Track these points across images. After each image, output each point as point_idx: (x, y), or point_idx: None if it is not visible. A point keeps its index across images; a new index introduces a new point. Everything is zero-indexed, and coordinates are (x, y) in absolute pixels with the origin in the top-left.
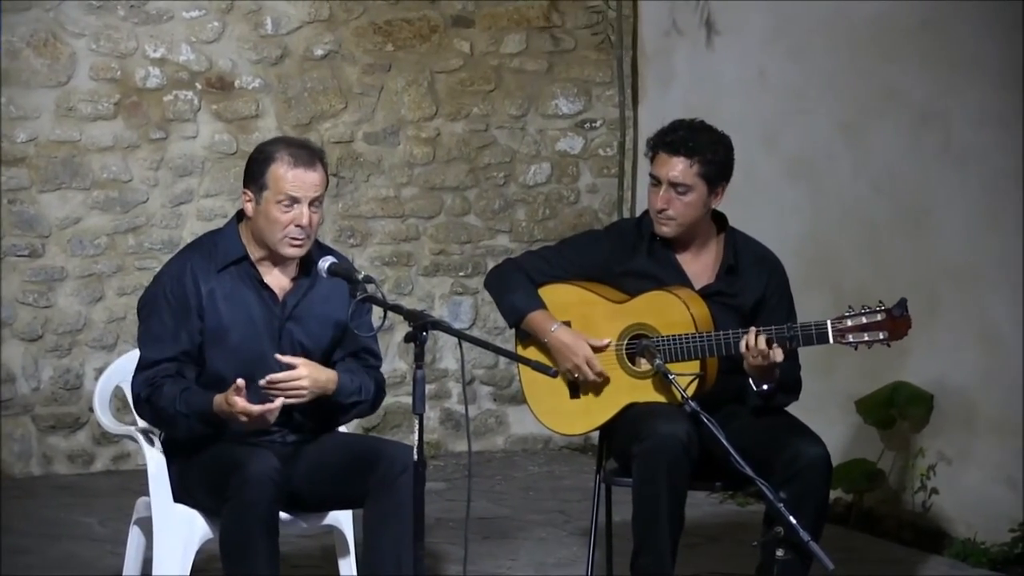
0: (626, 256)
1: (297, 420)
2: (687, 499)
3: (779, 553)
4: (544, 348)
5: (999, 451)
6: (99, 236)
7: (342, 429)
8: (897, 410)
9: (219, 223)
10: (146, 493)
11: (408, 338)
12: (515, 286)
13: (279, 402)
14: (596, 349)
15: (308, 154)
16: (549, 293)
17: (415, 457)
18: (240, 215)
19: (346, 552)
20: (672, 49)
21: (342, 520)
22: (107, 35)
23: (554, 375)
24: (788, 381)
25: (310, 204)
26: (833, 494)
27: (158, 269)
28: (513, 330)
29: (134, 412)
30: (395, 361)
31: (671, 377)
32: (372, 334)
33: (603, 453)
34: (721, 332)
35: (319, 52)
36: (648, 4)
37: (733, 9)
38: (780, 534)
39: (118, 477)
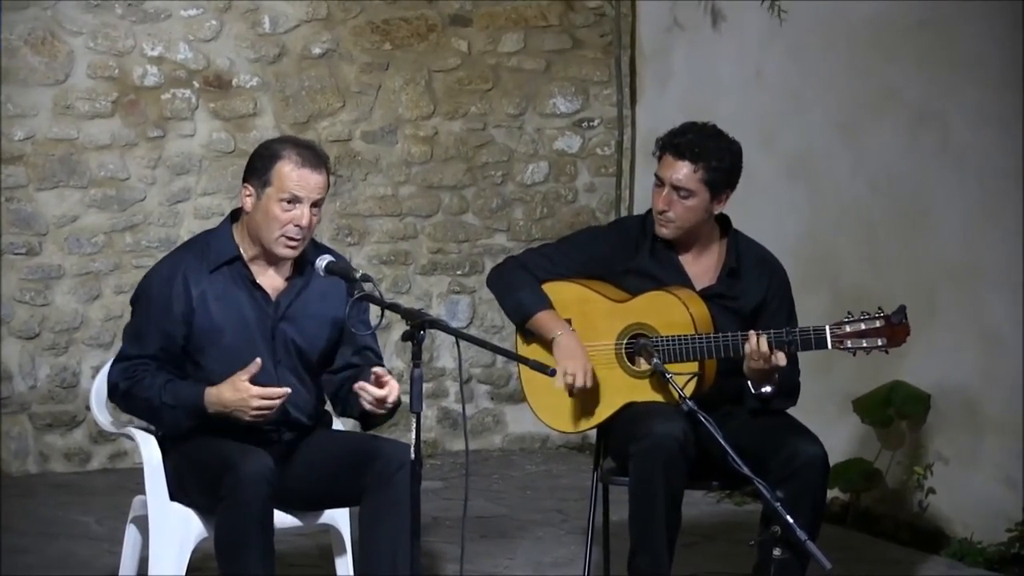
0: (629, 254)
1: (293, 418)
2: (684, 498)
3: (776, 552)
4: (546, 344)
5: (997, 451)
6: (96, 234)
7: (338, 426)
8: (895, 410)
9: (216, 221)
10: (143, 491)
11: (405, 337)
12: (520, 284)
13: (286, 389)
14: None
15: (315, 156)
16: (550, 290)
17: (412, 455)
18: (234, 215)
19: (343, 551)
20: (670, 48)
21: (339, 519)
22: (105, 33)
23: (552, 374)
24: (787, 385)
25: (311, 205)
26: (830, 494)
27: None
28: (511, 328)
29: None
30: (392, 360)
31: (668, 377)
32: (369, 332)
33: (600, 452)
34: (720, 334)
35: (317, 51)
36: (646, 3)
37: (732, 8)
38: (777, 533)
39: (115, 475)
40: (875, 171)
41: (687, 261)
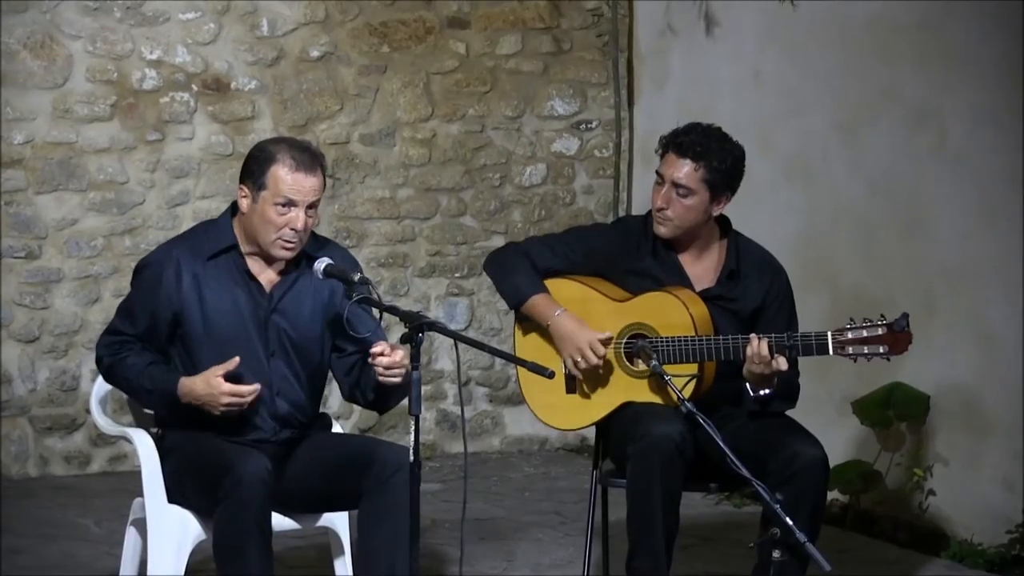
0: (630, 253)
1: (285, 412)
2: (683, 500)
3: (776, 554)
4: (545, 334)
5: (996, 452)
6: (95, 237)
7: (337, 429)
8: (894, 411)
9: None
10: (142, 494)
11: (404, 339)
12: (518, 269)
13: (256, 386)
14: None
15: (310, 158)
16: (550, 287)
17: (411, 458)
18: (235, 208)
19: (341, 552)
20: (667, 50)
21: (337, 521)
22: (103, 37)
23: (551, 376)
24: (786, 387)
25: (307, 208)
26: (830, 495)
27: None
28: (510, 331)
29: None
30: None
31: (666, 378)
32: (368, 335)
33: (599, 454)
34: (720, 337)
35: (315, 53)
36: (643, 4)
37: (729, 9)
38: (777, 535)
39: (114, 478)
40: (873, 172)
41: (687, 262)
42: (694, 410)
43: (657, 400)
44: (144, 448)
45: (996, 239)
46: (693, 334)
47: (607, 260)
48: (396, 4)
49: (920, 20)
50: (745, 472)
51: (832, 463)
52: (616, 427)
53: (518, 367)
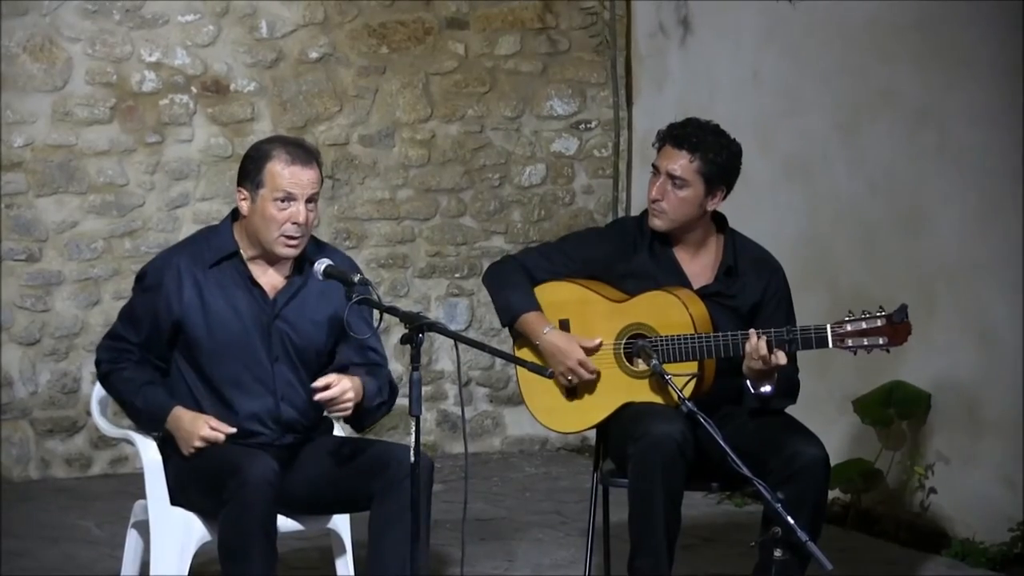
0: (627, 254)
1: (288, 417)
2: (684, 500)
3: (777, 553)
4: (537, 349)
5: (998, 450)
6: (96, 240)
7: (338, 433)
8: (895, 410)
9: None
10: (144, 496)
11: (404, 340)
12: (512, 285)
13: (232, 429)
14: (588, 350)
15: (304, 152)
16: (548, 290)
17: (412, 459)
18: (235, 214)
19: (343, 553)
20: (665, 50)
21: (339, 522)
22: (103, 40)
23: (550, 375)
24: (786, 384)
25: (306, 202)
26: (830, 494)
27: None
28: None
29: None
30: (391, 363)
31: (667, 378)
32: (368, 336)
33: (600, 454)
34: (719, 334)
35: (314, 55)
36: (641, 4)
37: (729, 9)
38: (778, 534)
39: (116, 480)
40: (873, 171)
41: (684, 260)
42: (695, 410)
43: (658, 400)
44: (147, 450)
45: (996, 239)
46: (692, 333)
47: (604, 264)
48: (395, 5)
49: (919, 20)
50: (746, 471)
51: (833, 462)
52: (616, 427)
53: (517, 370)
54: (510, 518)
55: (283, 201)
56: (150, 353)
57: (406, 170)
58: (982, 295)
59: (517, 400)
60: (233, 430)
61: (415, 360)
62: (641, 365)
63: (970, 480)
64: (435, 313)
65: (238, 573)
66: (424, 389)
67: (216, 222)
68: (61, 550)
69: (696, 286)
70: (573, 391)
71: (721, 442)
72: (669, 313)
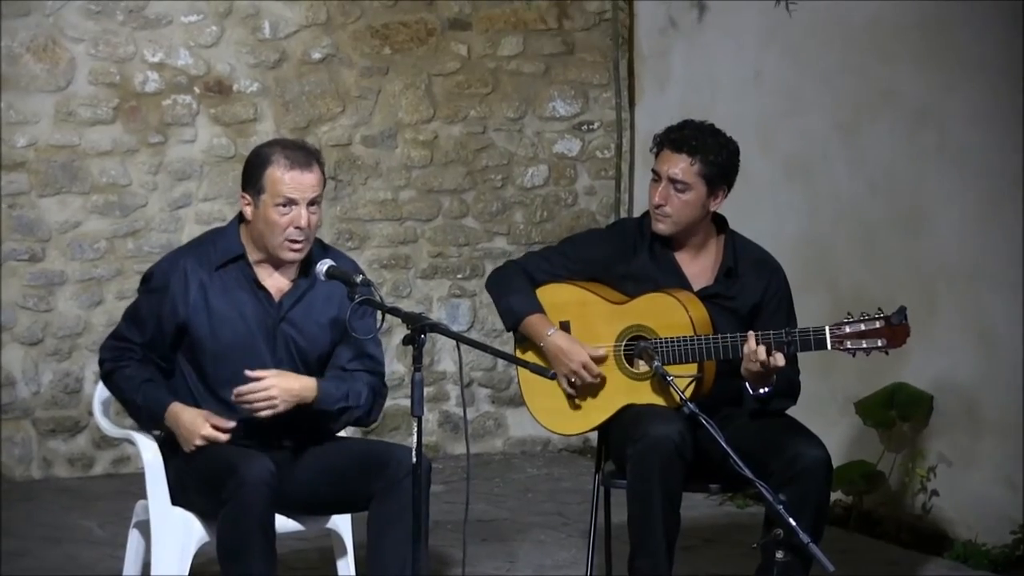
0: (627, 256)
1: (295, 423)
2: (685, 501)
3: (779, 555)
4: (541, 351)
5: (999, 452)
6: (98, 240)
7: (340, 433)
8: (897, 411)
9: (217, 227)
10: (145, 496)
11: (406, 341)
12: (514, 288)
13: (232, 424)
14: (594, 360)
15: (304, 155)
16: (548, 292)
17: (414, 459)
18: (242, 216)
19: (344, 553)
20: (668, 50)
21: (340, 522)
22: (106, 40)
23: (552, 377)
24: (786, 385)
25: (308, 205)
26: (832, 496)
27: None
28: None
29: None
30: (393, 364)
31: (669, 379)
32: (370, 337)
33: (602, 455)
34: (719, 336)
35: (316, 56)
36: (644, 5)
37: (729, 10)
38: (780, 536)
39: (118, 480)
40: (873, 171)
41: (684, 261)
42: (697, 411)
43: (658, 402)
44: (147, 450)
45: (997, 238)
46: (692, 334)
47: (604, 266)
48: (397, 6)
49: (920, 20)
50: (748, 473)
51: (835, 464)
52: (617, 428)
53: (518, 372)
54: (512, 519)
55: (284, 206)
56: (153, 353)
57: (408, 171)
58: (983, 295)
59: (519, 401)
60: (233, 424)
61: (417, 361)
62: (642, 367)
63: (972, 482)
64: (437, 314)
65: (237, 573)
66: (426, 390)
67: (219, 223)
68: (63, 550)
69: (696, 288)
70: (574, 393)
71: (723, 444)
72: (669, 315)
